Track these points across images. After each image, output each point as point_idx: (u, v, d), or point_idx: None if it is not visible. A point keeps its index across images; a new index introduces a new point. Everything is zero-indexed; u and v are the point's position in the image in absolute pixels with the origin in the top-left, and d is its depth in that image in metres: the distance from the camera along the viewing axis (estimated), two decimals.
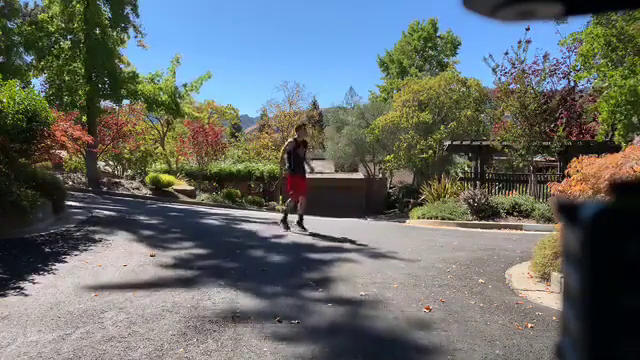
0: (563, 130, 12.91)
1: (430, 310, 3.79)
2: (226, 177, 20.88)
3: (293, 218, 8.06)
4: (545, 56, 13.22)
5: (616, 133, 10.69)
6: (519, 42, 12.90)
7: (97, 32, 14.78)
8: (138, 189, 15.47)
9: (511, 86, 13.16)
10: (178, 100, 17.13)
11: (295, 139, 7.84)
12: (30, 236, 6.12)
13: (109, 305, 3.65)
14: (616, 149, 8.92)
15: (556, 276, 4.58)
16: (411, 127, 18.70)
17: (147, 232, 7.08)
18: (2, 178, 6.49)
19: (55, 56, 14.99)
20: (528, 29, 12.39)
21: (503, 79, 13.28)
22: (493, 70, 13.35)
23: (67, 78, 15.18)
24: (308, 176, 8.00)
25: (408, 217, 13.12)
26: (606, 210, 0.30)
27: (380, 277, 4.84)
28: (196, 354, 2.82)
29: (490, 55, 13.36)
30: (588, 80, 13.45)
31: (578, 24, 12.80)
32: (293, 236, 7.28)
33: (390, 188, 23.10)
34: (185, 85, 17.73)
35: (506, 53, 13.08)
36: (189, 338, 3.05)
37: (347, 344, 3.06)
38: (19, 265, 4.77)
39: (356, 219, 14.25)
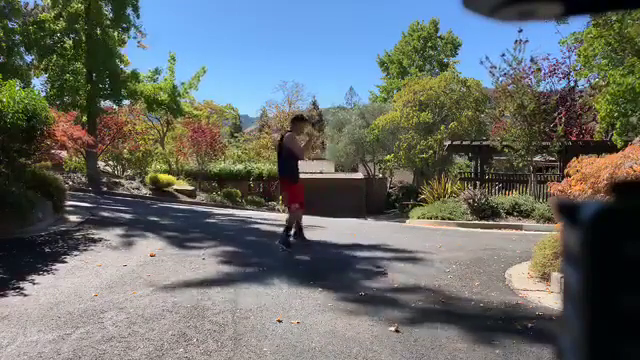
0: (562, 130, 12.90)
1: None
2: (226, 177, 20.87)
3: None
4: (545, 58, 13.24)
5: (615, 132, 10.69)
6: (515, 42, 12.90)
7: (98, 32, 14.79)
8: (138, 189, 15.46)
9: (510, 86, 13.15)
10: (178, 98, 17.12)
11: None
12: (30, 236, 6.12)
13: (109, 305, 3.65)
14: (616, 149, 8.92)
15: (556, 276, 4.58)
16: (411, 127, 18.68)
17: (147, 232, 7.08)
18: (2, 178, 6.49)
19: (59, 55, 14.99)
20: (520, 31, 12.39)
21: (501, 79, 13.28)
22: (490, 71, 13.34)
23: (68, 78, 15.18)
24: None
25: (408, 217, 13.10)
26: (606, 210, 0.30)
27: (380, 277, 4.84)
28: (196, 354, 2.82)
29: (487, 57, 13.36)
30: (588, 80, 13.46)
31: (578, 24, 12.85)
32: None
33: (390, 188, 23.05)
34: (183, 83, 17.73)
35: (502, 55, 13.08)
36: (189, 338, 3.05)
37: (347, 340, 3.06)
38: (19, 265, 4.77)
39: (356, 219, 14.24)
